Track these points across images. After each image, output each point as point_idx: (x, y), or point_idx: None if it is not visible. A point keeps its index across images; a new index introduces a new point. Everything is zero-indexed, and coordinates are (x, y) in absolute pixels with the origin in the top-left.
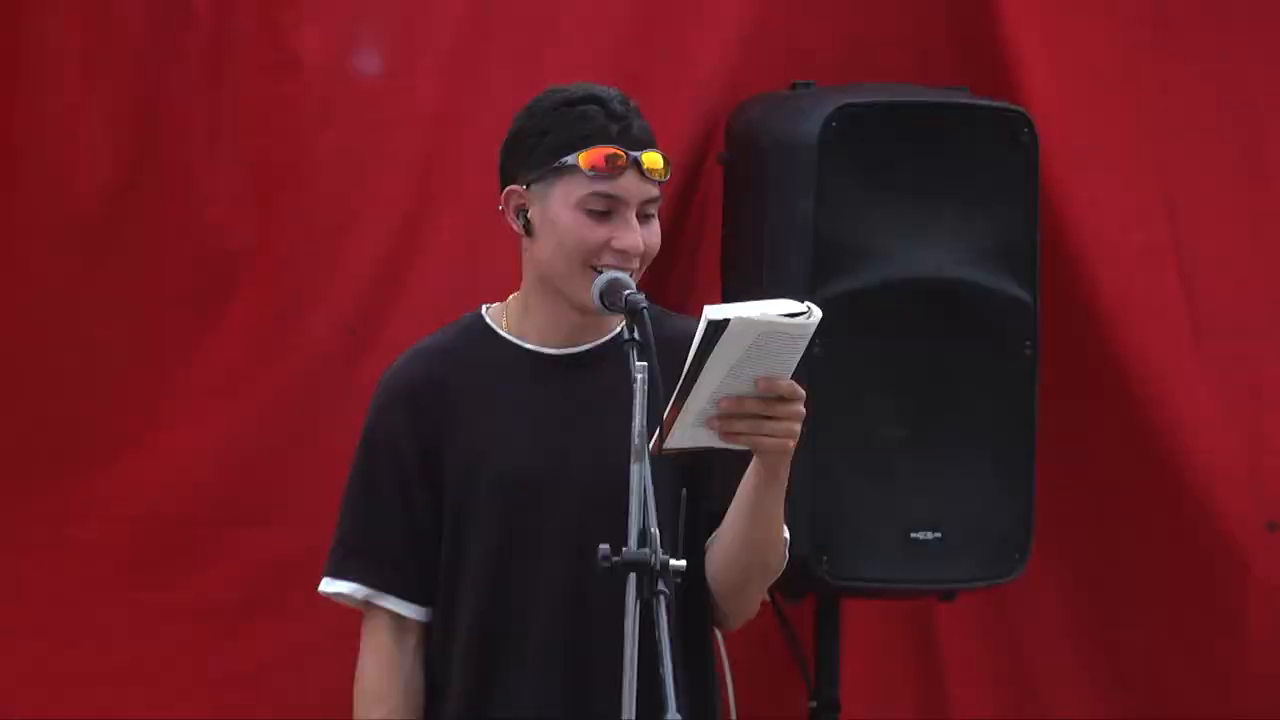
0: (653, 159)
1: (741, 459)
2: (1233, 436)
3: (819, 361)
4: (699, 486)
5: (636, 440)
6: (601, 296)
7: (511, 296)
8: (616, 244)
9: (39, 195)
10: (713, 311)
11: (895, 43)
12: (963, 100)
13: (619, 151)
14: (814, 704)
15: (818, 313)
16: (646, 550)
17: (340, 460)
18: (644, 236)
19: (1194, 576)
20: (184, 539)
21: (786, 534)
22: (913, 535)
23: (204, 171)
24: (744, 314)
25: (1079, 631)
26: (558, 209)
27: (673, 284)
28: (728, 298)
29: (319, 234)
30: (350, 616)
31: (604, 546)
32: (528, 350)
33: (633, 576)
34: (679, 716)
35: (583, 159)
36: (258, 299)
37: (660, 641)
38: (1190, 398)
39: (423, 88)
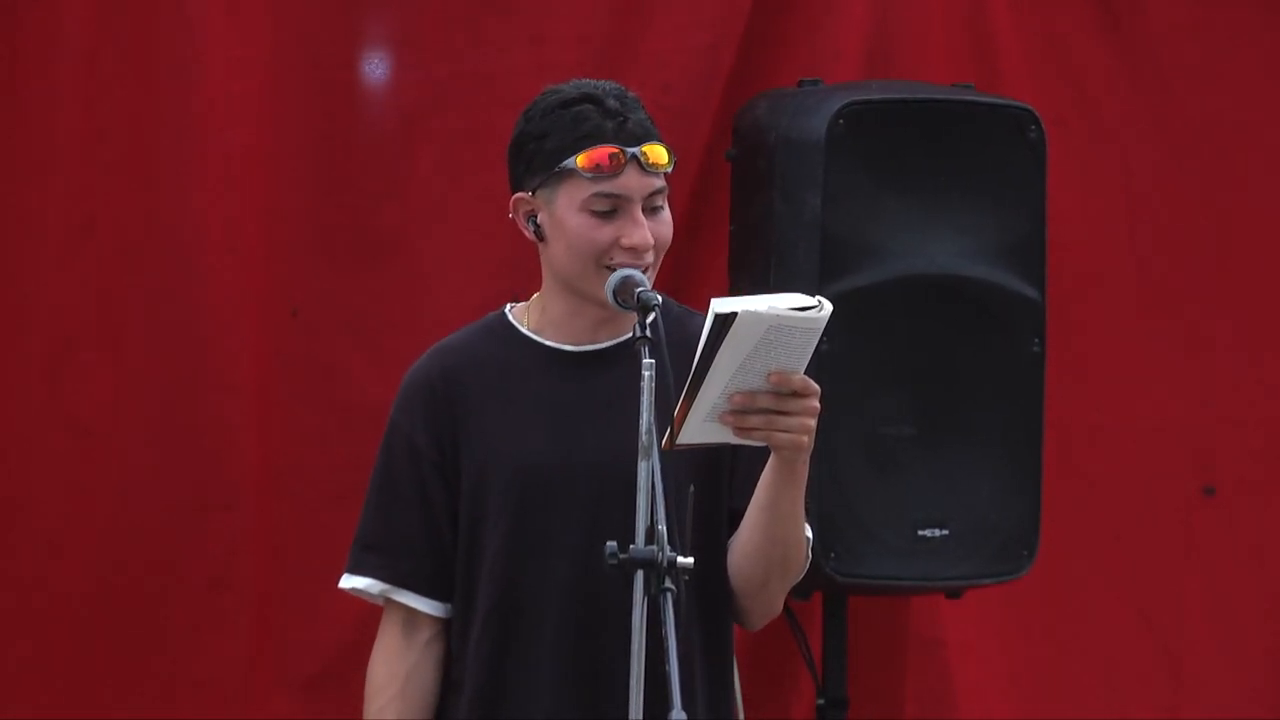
0: (653, 151)
1: (765, 456)
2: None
3: (826, 358)
4: (719, 484)
5: (644, 437)
6: (615, 294)
7: (534, 296)
8: (625, 241)
9: None
10: (719, 304)
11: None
12: (970, 97)
13: (616, 150)
14: (822, 701)
15: (828, 306)
16: (654, 547)
17: None
18: (653, 229)
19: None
20: None
21: (809, 533)
22: (920, 532)
23: None
24: (751, 307)
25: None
26: (563, 213)
27: (680, 282)
28: (735, 295)
29: None
30: None
31: (611, 544)
32: (545, 347)
33: (640, 574)
34: (684, 715)
35: (581, 161)
36: None
37: (666, 639)
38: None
39: None
